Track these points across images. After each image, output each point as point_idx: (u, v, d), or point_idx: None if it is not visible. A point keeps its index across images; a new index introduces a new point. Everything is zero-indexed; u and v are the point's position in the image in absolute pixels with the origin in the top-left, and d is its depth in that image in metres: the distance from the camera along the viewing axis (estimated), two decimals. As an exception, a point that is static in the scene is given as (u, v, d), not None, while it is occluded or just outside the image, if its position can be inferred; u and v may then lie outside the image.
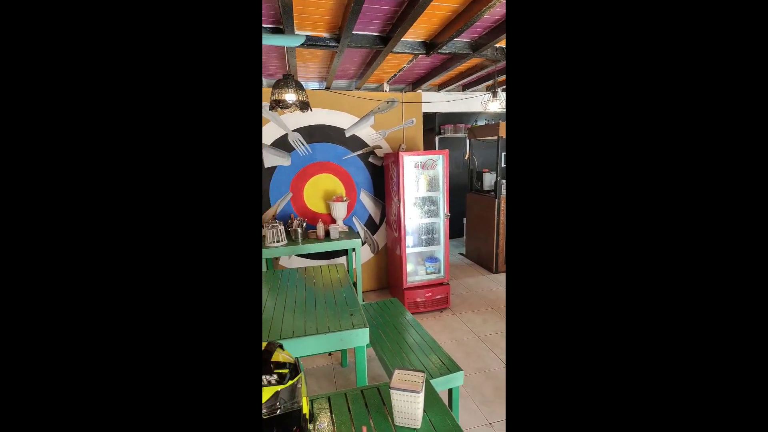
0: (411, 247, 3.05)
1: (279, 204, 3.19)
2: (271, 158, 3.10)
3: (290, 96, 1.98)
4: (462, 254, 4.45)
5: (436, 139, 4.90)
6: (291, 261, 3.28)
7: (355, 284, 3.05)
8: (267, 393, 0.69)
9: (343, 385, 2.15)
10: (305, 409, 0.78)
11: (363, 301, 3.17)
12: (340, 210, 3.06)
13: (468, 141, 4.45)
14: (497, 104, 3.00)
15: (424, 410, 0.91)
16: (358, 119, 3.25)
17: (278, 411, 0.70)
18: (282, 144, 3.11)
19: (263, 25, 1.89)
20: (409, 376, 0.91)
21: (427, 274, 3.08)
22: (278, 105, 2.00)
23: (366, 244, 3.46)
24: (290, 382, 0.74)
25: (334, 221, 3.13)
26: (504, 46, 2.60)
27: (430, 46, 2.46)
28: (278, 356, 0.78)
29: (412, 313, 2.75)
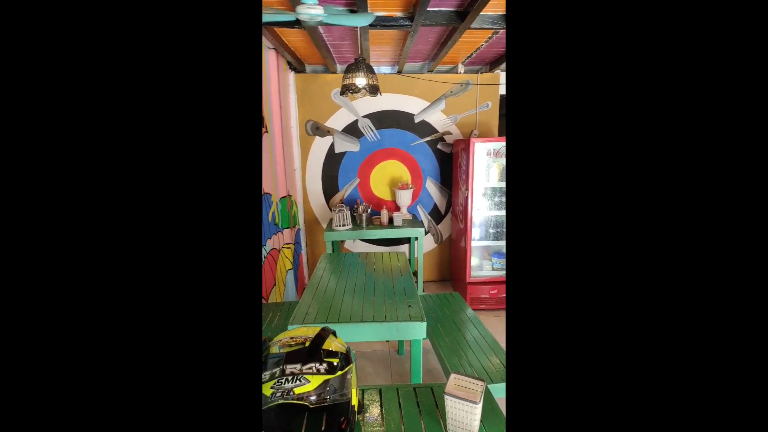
0: (477, 240, 2.88)
1: (347, 189, 3.26)
2: (340, 144, 3.17)
3: (360, 80, 1.96)
4: (534, 251, 4.09)
5: (513, 125, 4.52)
6: (355, 245, 3.36)
7: (415, 274, 3.01)
8: (316, 381, 0.68)
9: (398, 372, 2.15)
10: (354, 401, 0.76)
11: (423, 291, 3.12)
12: (404, 197, 3.02)
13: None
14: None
15: (481, 420, 0.83)
16: (428, 104, 3.13)
17: (327, 401, 0.69)
18: (352, 130, 3.15)
19: (335, 6, 1.88)
20: (466, 383, 0.83)
21: (493, 269, 2.89)
22: (348, 90, 1.99)
23: (429, 234, 3.38)
24: (339, 373, 0.72)
25: (398, 208, 3.10)
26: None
27: (513, 20, 2.21)
28: (330, 344, 0.77)
29: (474, 310, 2.62)
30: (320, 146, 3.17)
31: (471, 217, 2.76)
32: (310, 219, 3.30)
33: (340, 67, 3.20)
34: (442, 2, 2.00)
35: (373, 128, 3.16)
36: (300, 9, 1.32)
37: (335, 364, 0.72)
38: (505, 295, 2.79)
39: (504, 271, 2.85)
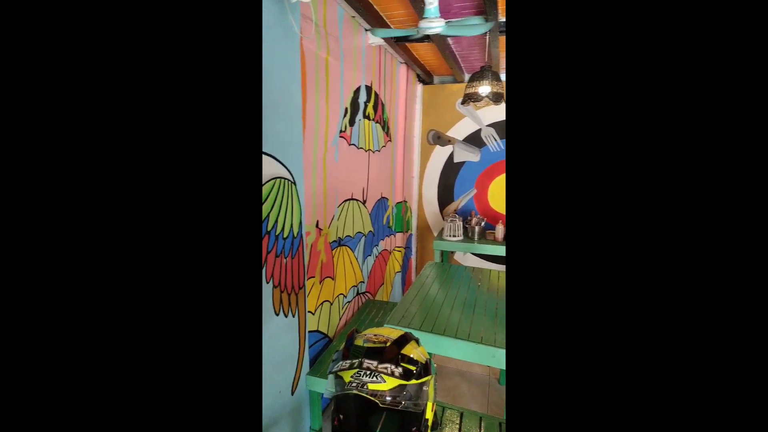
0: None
1: (462, 199, 3.19)
2: (460, 154, 3.13)
3: (484, 88, 1.90)
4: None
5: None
6: (466, 258, 3.25)
7: (530, 299, 2.70)
8: (391, 383, 0.70)
9: (495, 403, 1.97)
10: (429, 414, 0.74)
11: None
12: (525, 213, 2.76)
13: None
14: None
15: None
16: (565, 111, 2.78)
17: (400, 406, 0.70)
18: (474, 140, 3.07)
19: (463, 14, 1.87)
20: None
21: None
22: (470, 99, 1.96)
23: (553, 257, 2.99)
24: (415, 381, 0.71)
25: (516, 225, 2.85)
26: None
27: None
28: (411, 351, 0.77)
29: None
30: (440, 155, 3.20)
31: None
32: (423, 226, 3.36)
33: (467, 77, 3.17)
34: None
35: (497, 138, 3.00)
36: (422, 24, 1.38)
37: (412, 371, 0.72)
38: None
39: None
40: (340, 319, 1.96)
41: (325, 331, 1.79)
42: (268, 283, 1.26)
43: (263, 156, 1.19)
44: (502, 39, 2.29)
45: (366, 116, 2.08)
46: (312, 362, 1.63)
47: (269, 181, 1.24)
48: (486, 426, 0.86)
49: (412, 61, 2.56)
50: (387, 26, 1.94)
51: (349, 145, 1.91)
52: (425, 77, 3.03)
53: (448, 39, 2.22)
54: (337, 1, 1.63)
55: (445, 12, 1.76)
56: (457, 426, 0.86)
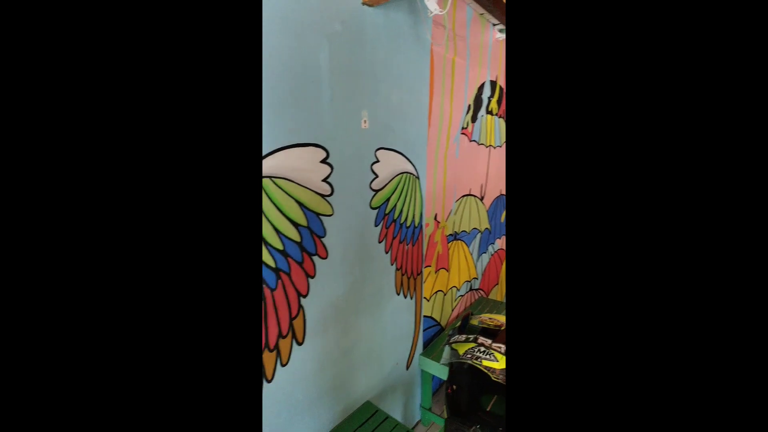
0: None
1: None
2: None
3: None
4: None
5: None
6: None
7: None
8: (504, 362, 0.74)
9: None
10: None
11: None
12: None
13: None
14: None
15: None
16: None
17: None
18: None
19: None
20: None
21: None
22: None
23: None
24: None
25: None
26: None
27: None
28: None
29: None
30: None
31: None
32: (547, 228, 3.10)
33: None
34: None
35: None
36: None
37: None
38: None
39: None
40: (452, 310, 2.03)
41: (438, 319, 1.89)
42: (392, 265, 1.43)
43: (393, 153, 1.36)
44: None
45: (489, 111, 2.07)
46: (425, 345, 1.75)
47: (398, 175, 1.40)
48: None
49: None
50: (517, 18, 1.89)
51: (470, 141, 1.94)
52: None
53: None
54: (466, 2, 1.68)
55: None
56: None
